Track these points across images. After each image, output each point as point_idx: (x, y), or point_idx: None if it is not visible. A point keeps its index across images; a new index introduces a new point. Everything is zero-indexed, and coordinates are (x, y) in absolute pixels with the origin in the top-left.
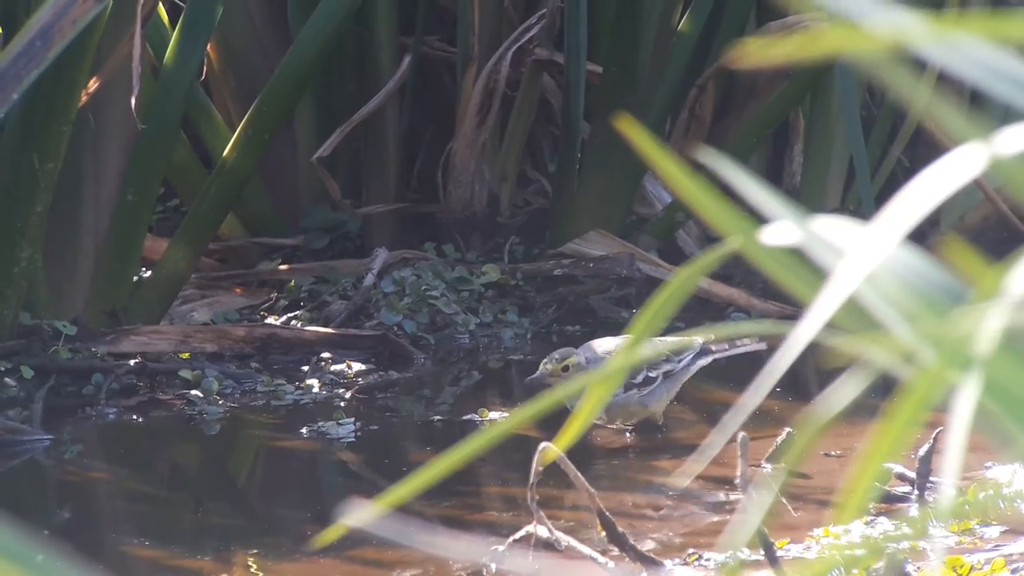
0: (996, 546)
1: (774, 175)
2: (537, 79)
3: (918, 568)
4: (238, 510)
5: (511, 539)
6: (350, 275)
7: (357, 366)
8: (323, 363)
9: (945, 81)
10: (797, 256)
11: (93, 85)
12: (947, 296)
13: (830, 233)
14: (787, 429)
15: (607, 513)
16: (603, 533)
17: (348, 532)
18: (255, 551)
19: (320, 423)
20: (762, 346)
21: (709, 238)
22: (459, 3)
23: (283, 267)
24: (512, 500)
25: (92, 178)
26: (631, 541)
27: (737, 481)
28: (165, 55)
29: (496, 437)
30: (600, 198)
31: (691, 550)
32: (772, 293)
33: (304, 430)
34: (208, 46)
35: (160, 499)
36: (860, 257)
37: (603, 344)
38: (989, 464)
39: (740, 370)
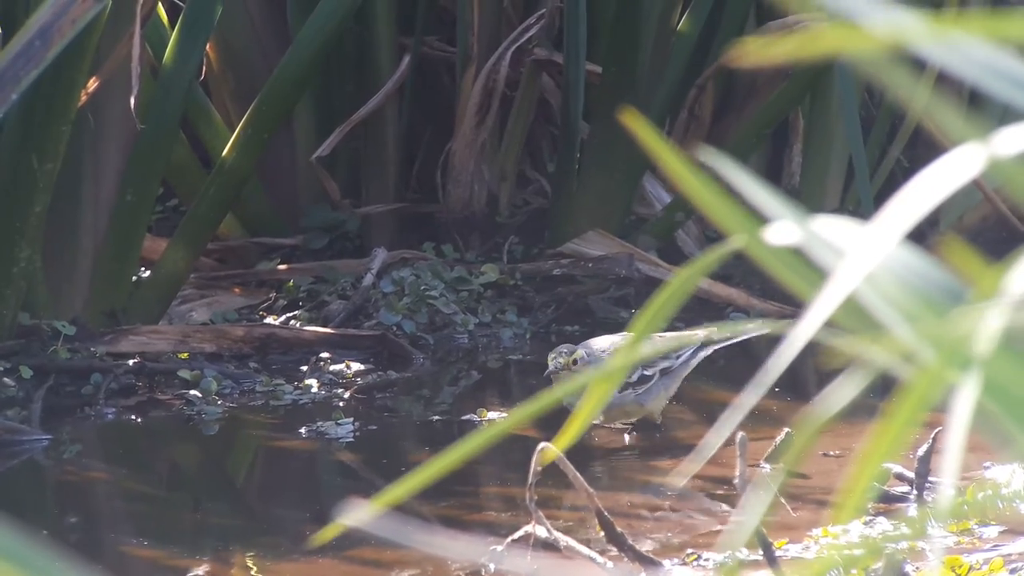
0: (995, 546)
1: (773, 175)
2: (536, 79)
3: (917, 568)
4: (237, 510)
5: (510, 539)
6: (349, 275)
7: (356, 366)
8: (322, 363)
9: (944, 81)
10: (797, 256)
11: (92, 85)
12: (946, 296)
13: (830, 233)
14: (786, 429)
15: (606, 513)
16: (602, 533)
17: (347, 532)
18: (254, 551)
19: (319, 423)
20: (764, 330)
21: (708, 238)
22: (458, 3)
23: (282, 267)
24: (511, 500)
25: (91, 178)
26: (630, 541)
27: (736, 481)
28: (164, 55)
29: (496, 436)
30: (599, 198)
31: (690, 550)
32: (771, 293)
33: (303, 430)
34: (207, 46)
35: (159, 499)
36: (860, 257)
37: (600, 342)
38: (988, 464)
39: (739, 370)
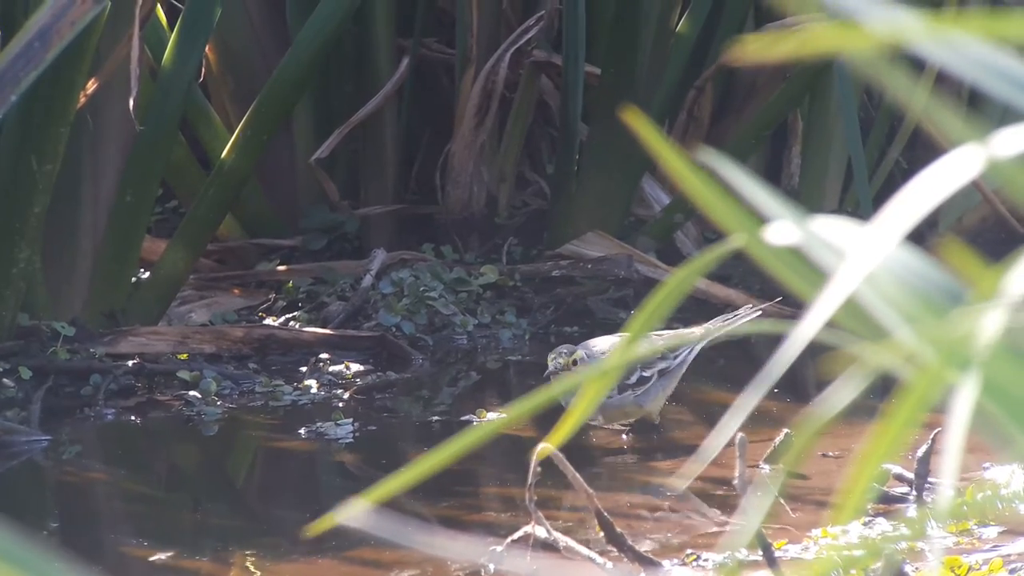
0: (994, 547)
1: (772, 176)
2: (535, 80)
3: (916, 568)
4: (236, 511)
5: (509, 539)
6: (348, 276)
7: (355, 367)
8: (321, 364)
9: (943, 82)
10: (797, 256)
11: (91, 86)
12: (945, 297)
13: (829, 233)
14: (785, 430)
15: (605, 514)
16: (601, 533)
17: (347, 532)
18: (253, 551)
19: (318, 424)
20: (757, 314)
21: (707, 239)
22: (457, 5)
23: (281, 268)
24: (510, 500)
25: (90, 179)
26: (629, 542)
27: (735, 482)
28: (163, 56)
29: (491, 433)
30: (598, 199)
31: (689, 551)
32: (770, 294)
33: (302, 431)
34: (206, 47)
35: (158, 500)
36: (860, 257)
37: (600, 343)
38: (987, 465)
39: (739, 370)
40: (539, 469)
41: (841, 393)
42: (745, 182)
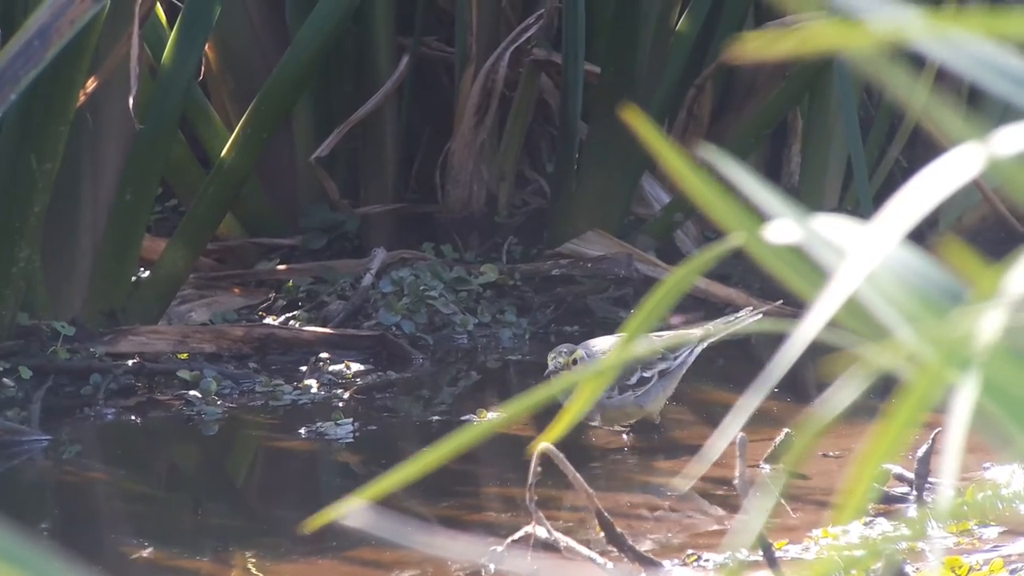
0: (994, 547)
1: (772, 175)
2: (535, 79)
3: (917, 569)
4: (236, 510)
5: (510, 540)
6: (348, 275)
7: (355, 366)
8: (321, 363)
9: (943, 80)
10: (797, 255)
11: (91, 85)
12: (945, 296)
13: (830, 232)
14: (785, 430)
15: (606, 514)
16: (602, 534)
17: (347, 532)
18: (253, 551)
19: (318, 423)
20: (757, 317)
21: (707, 238)
22: (457, 3)
23: (281, 267)
24: (511, 500)
25: (90, 178)
26: (630, 542)
27: (736, 482)
28: (163, 55)
29: (489, 431)
30: (598, 198)
31: (690, 551)
32: (770, 293)
33: (302, 430)
34: (206, 46)
35: (158, 499)
36: (861, 257)
37: (601, 343)
38: (987, 465)
39: (739, 370)
40: (539, 469)
41: (842, 394)
42: (745, 180)
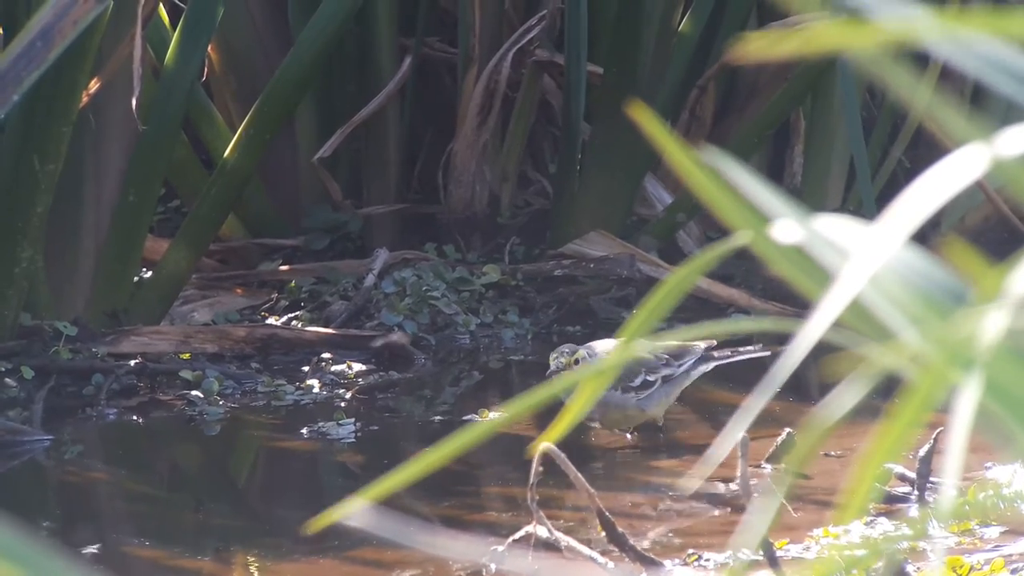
0: (996, 547)
1: (775, 176)
2: (538, 80)
3: (918, 568)
4: (238, 510)
5: (511, 539)
6: (351, 275)
7: (357, 366)
8: (323, 363)
9: (946, 80)
10: (801, 255)
11: (94, 86)
12: (949, 297)
13: (833, 233)
14: (787, 430)
15: (607, 513)
16: (603, 533)
17: (348, 532)
18: (255, 551)
19: (320, 423)
20: (765, 353)
21: (709, 238)
22: (460, 4)
23: (284, 268)
24: (512, 500)
25: (93, 179)
26: (631, 541)
27: (737, 481)
28: (166, 56)
29: (490, 431)
30: (601, 199)
31: (691, 550)
32: (772, 294)
33: (304, 430)
34: (209, 47)
35: (160, 499)
36: (865, 258)
37: (604, 344)
38: (989, 464)
39: (740, 370)
40: (541, 469)
41: (846, 396)
42: (748, 181)
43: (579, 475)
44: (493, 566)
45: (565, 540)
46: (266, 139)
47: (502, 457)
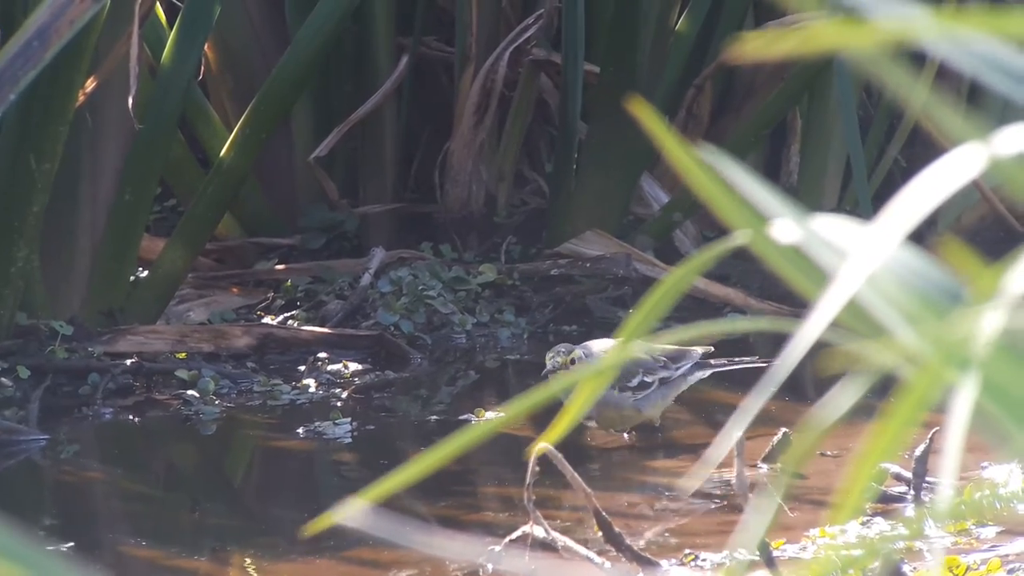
0: (992, 546)
1: (771, 175)
2: (534, 79)
3: (914, 568)
4: (234, 510)
5: (508, 539)
6: (347, 275)
7: (354, 366)
8: (320, 363)
9: (942, 79)
10: (798, 254)
11: (90, 85)
12: (945, 296)
13: (830, 232)
14: (783, 429)
15: (603, 513)
16: (600, 533)
17: (345, 532)
18: (251, 551)
19: (316, 423)
20: (762, 364)
21: (706, 238)
22: (457, 3)
23: (280, 267)
24: (509, 500)
25: (89, 178)
26: (627, 541)
27: (734, 481)
28: (163, 55)
29: (487, 432)
30: (597, 198)
31: (688, 550)
32: (769, 293)
33: (300, 430)
34: (206, 46)
35: (156, 499)
36: (862, 257)
37: (600, 344)
38: (985, 464)
39: (738, 370)
40: (537, 469)
41: (842, 397)
42: (745, 179)
43: (576, 475)
44: (490, 566)
45: (562, 540)
46: (262, 138)
47: (499, 457)
